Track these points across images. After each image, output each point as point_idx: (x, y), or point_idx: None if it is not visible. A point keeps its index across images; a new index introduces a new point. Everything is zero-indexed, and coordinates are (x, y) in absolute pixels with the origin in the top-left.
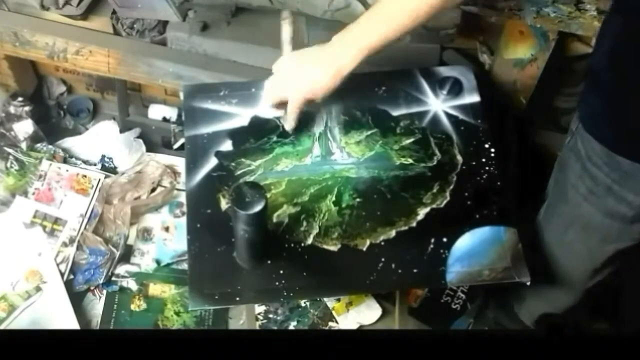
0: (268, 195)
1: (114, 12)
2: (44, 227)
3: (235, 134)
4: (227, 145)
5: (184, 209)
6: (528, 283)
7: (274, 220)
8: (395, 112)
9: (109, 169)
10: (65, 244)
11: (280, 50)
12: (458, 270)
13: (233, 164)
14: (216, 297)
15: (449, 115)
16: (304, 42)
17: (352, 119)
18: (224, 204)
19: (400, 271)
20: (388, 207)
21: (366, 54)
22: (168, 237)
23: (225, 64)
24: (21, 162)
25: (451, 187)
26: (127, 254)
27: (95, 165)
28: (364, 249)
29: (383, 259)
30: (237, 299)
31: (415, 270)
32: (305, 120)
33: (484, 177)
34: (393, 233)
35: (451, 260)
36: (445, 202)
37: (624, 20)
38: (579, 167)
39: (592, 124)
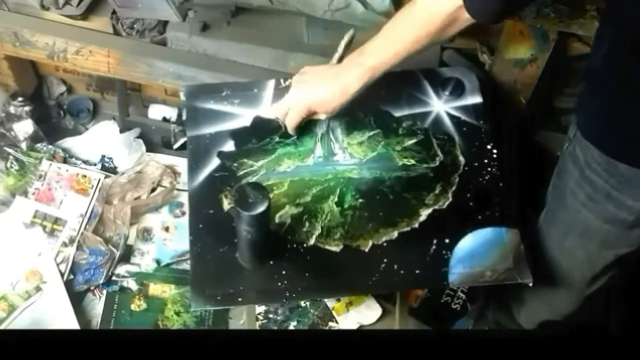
0: (270, 195)
1: (114, 12)
2: (44, 227)
3: (237, 135)
4: (229, 146)
5: (184, 209)
6: (530, 284)
7: (277, 220)
8: (398, 113)
9: (109, 169)
10: (65, 244)
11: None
12: (460, 271)
13: (235, 164)
14: (218, 297)
15: (451, 116)
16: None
17: (355, 120)
18: (227, 205)
19: (402, 272)
20: (390, 208)
21: (370, 75)
22: (168, 237)
23: (225, 64)
24: (21, 162)
25: (453, 188)
26: (127, 254)
27: (95, 165)
28: (366, 249)
29: (385, 260)
30: (240, 299)
31: (417, 271)
32: (308, 121)
33: (486, 178)
34: (395, 234)
35: (453, 261)
36: (447, 203)
37: (617, 28)
38: (577, 174)
39: (590, 130)
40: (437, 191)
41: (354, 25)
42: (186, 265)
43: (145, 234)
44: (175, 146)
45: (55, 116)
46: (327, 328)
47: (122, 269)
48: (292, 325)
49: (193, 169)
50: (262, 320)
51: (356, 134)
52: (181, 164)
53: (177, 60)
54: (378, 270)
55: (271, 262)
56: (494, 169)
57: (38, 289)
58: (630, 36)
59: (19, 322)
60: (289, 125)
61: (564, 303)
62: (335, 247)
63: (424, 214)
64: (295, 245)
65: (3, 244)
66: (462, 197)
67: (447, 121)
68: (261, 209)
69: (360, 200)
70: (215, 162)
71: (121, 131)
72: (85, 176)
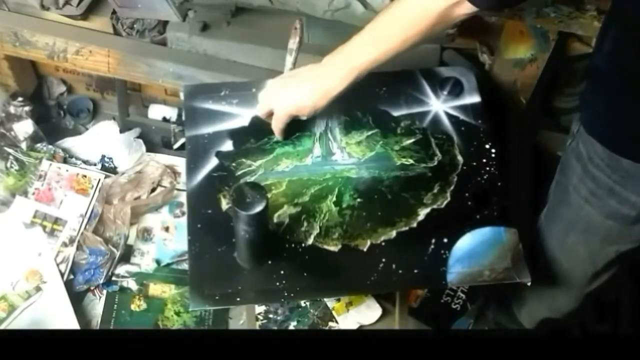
0: (269, 195)
1: (114, 12)
2: (44, 227)
3: (235, 134)
4: (227, 146)
5: (184, 209)
6: (529, 283)
7: (275, 220)
8: (396, 113)
9: (109, 169)
10: (65, 244)
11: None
12: (459, 270)
13: (234, 164)
14: (217, 297)
15: (449, 116)
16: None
17: (353, 119)
18: (225, 205)
19: (400, 272)
20: (389, 208)
21: (355, 75)
22: (168, 237)
23: (225, 64)
24: (21, 162)
25: (452, 187)
26: (127, 254)
27: (95, 165)
28: (365, 249)
29: (384, 260)
30: (238, 299)
31: (415, 271)
32: (306, 120)
33: (485, 177)
34: (394, 233)
35: (452, 261)
36: (445, 202)
37: (623, 24)
38: (580, 169)
39: (593, 126)
40: (435, 191)
41: (354, 25)
42: (186, 265)
43: (145, 234)
44: (175, 146)
45: (55, 116)
46: (327, 328)
47: (122, 269)
48: (292, 325)
49: (191, 169)
50: (262, 320)
51: (354, 134)
52: (181, 164)
53: (177, 60)
54: (376, 270)
55: (269, 262)
56: (492, 169)
57: (38, 289)
58: (636, 34)
59: (19, 322)
60: (275, 131)
61: (564, 300)
62: (334, 247)
63: (423, 213)
64: (293, 245)
65: (3, 244)
66: (460, 196)
67: (446, 121)
68: (259, 208)
69: (359, 199)
70: (213, 161)
71: (121, 131)
72: (85, 176)
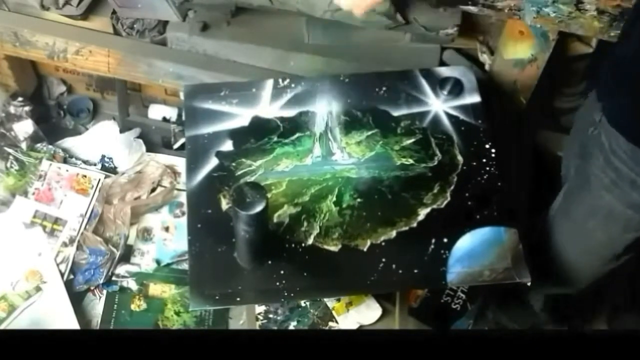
0: (269, 195)
1: (114, 12)
2: (44, 227)
3: (235, 134)
4: (227, 146)
5: (184, 209)
6: (529, 283)
7: (275, 220)
8: (396, 113)
9: (109, 169)
10: (65, 244)
11: None
12: (459, 270)
13: (234, 164)
14: (217, 297)
15: (449, 116)
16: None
17: (353, 120)
18: (225, 204)
19: (400, 271)
20: (389, 208)
21: None
22: (168, 237)
23: (225, 64)
24: (21, 162)
25: (452, 187)
26: (127, 254)
27: (95, 165)
28: (365, 249)
29: (384, 260)
30: (238, 299)
31: (415, 271)
32: (306, 120)
33: (485, 177)
34: (394, 233)
35: (452, 261)
36: (445, 202)
37: None
38: (602, 160)
39: (617, 118)
40: (435, 190)
41: (354, 25)
42: (186, 265)
43: (145, 234)
44: (175, 146)
45: (55, 116)
46: (327, 328)
47: (122, 269)
48: (292, 325)
49: (191, 169)
50: (262, 320)
51: (354, 134)
52: (181, 164)
53: (177, 60)
54: (376, 270)
55: (269, 262)
56: (492, 169)
57: (38, 289)
58: None
59: (19, 322)
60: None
61: (577, 281)
62: (334, 247)
63: (422, 213)
64: (293, 245)
65: (3, 244)
66: (460, 196)
67: (446, 121)
68: (259, 208)
69: (359, 199)
70: (213, 161)
71: (121, 131)
72: (85, 176)
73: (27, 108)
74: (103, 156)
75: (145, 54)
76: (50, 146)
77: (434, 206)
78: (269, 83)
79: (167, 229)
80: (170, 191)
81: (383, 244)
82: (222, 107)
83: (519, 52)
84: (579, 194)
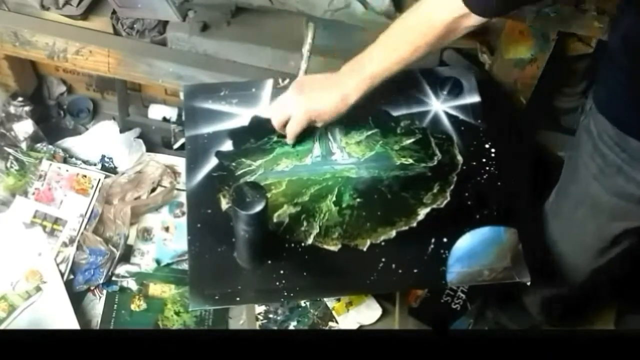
0: (268, 195)
1: (114, 12)
2: (44, 227)
3: (235, 134)
4: (227, 145)
5: (184, 209)
6: (528, 283)
7: (275, 220)
8: (396, 112)
9: (109, 169)
10: (65, 244)
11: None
12: (458, 270)
13: (233, 164)
14: (216, 297)
15: (449, 116)
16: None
17: (353, 119)
18: (225, 204)
19: (400, 271)
20: (388, 207)
21: (369, 84)
22: (168, 237)
23: (225, 64)
24: (21, 162)
25: (451, 187)
26: (127, 254)
27: (95, 165)
28: (365, 249)
29: (383, 259)
30: (238, 299)
31: (415, 271)
32: None
33: (484, 177)
34: (393, 233)
35: (451, 261)
36: (445, 202)
37: (636, 14)
38: (590, 146)
39: (605, 104)
40: (435, 190)
41: (354, 25)
42: (186, 265)
43: (145, 234)
44: (175, 146)
45: (55, 116)
46: (327, 328)
47: (122, 269)
48: (292, 325)
49: (191, 169)
50: (262, 320)
51: (354, 134)
52: (181, 164)
53: (177, 60)
54: (376, 270)
55: (269, 262)
56: (492, 168)
57: (38, 289)
58: None
59: (19, 322)
60: (289, 134)
61: (571, 278)
62: (334, 247)
63: (422, 213)
64: (293, 245)
65: (3, 244)
66: (460, 196)
67: (445, 120)
68: (259, 208)
69: (358, 199)
70: (213, 161)
71: (121, 131)
72: (85, 176)
73: (27, 108)
74: (103, 156)
75: (145, 54)
76: (50, 146)
77: (434, 206)
78: (269, 83)
79: (167, 229)
80: (170, 191)
81: (383, 243)
82: (222, 107)
83: (519, 52)
84: (568, 185)
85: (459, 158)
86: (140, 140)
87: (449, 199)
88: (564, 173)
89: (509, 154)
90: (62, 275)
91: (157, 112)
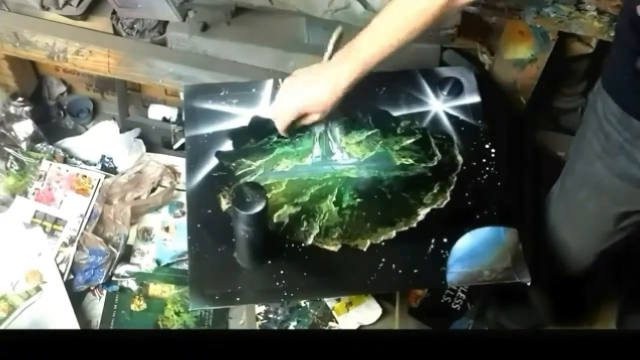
0: (268, 195)
1: (114, 12)
2: (44, 227)
3: (235, 134)
4: (227, 146)
5: (184, 209)
6: (528, 283)
7: (275, 220)
8: (396, 113)
9: (109, 169)
10: (65, 244)
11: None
12: (458, 270)
13: (233, 164)
14: (216, 297)
15: (449, 116)
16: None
17: (353, 120)
18: (225, 204)
19: (400, 271)
20: (388, 208)
21: (362, 68)
22: (168, 237)
23: (225, 64)
24: (21, 162)
25: (451, 187)
26: (127, 254)
27: (95, 165)
28: (365, 249)
29: (383, 260)
30: (238, 299)
31: (415, 271)
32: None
33: (485, 177)
34: (393, 233)
35: (451, 261)
36: (445, 202)
37: None
38: (595, 124)
39: (611, 83)
40: (435, 190)
41: (354, 25)
42: (186, 265)
43: (145, 234)
44: (175, 146)
45: (55, 116)
46: (327, 328)
47: (122, 269)
48: (292, 325)
49: (191, 169)
50: (262, 320)
51: (354, 134)
52: (181, 164)
53: (177, 60)
54: (376, 270)
55: (269, 262)
56: (492, 169)
57: (38, 289)
58: None
59: (19, 322)
60: (278, 127)
61: (573, 260)
62: (334, 247)
63: (422, 213)
64: (293, 245)
65: (3, 244)
66: (460, 196)
67: (446, 121)
68: (259, 208)
69: (359, 199)
70: (213, 161)
71: (121, 131)
72: (85, 176)
73: (27, 108)
74: (103, 156)
75: (145, 54)
76: (50, 146)
77: (434, 206)
78: (269, 83)
79: (167, 229)
80: (170, 191)
81: (383, 244)
82: (222, 107)
83: (519, 52)
84: (572, 164)
85: (459, 158)
86: (140, 141)
87: (449, 199)
88: (570, 152)
89: (509, 154)
90: (62, 275)
91: (157, 112)
